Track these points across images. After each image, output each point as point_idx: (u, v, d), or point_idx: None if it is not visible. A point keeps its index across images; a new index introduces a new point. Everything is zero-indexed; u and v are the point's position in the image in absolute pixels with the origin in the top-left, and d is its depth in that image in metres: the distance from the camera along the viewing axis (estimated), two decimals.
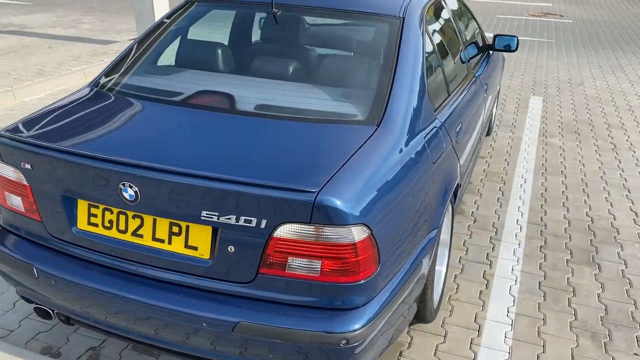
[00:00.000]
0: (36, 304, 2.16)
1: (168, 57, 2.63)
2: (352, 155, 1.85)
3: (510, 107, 5.95)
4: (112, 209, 1.89)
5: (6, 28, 9.77)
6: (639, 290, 2.95)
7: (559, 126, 5.43)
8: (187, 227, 1.81)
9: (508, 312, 2.76)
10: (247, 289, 1.80)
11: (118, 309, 1.89)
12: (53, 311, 2.14)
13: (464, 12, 3.73)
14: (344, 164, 1.80)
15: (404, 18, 2.49)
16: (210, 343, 1.82)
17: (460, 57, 3.15)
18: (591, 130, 5.34)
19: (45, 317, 2.22)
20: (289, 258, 1.74)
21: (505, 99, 6.23)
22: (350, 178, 1.75)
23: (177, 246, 1.84)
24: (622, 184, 4.19)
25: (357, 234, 1.70)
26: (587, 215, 3.73)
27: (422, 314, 2.45)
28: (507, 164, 4.51)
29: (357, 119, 2.09)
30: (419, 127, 2.21)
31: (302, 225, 1.68)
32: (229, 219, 1.72)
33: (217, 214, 1.72)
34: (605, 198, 3.97)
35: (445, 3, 3.20)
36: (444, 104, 2.58)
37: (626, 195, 4.02)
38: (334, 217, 1.66)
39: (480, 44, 3.89)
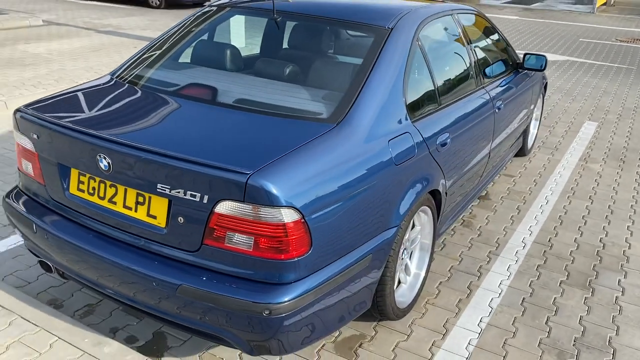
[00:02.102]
0: (39, 257, 2.51)
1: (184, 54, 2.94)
2: (298, 147, 2.04)
3: (560, 131, 5.82)
4: (95, 177, 2.20)
5: (104, 28, 10.74)
6: (627, 318, 2.88)
7: (604, 152, 5.25)
8: (150, 197, 2.07)
9: (480, 321, 2.80)
10: (193, 257, 2.03)
11: (92, 264, 2.19)
12: (52, 265, 2.48)
13: (485, 30, 3.78)
14: (286, 153, 1.99)
15: (392, 29, 2.64)
16: (159, 302, 2.07)
17: (467, 73, 3.22)
18: (639, 159, 5.13)
19: (47, 271, 2.57)
20: (228, 232, 1.95)
21: (556, 122, 6.10)
22: (288, 165, 1.94)
23: (141, 214, 2.11)
24: None
25: (287, 215, 1.89)
26: (600, 241, 3.64)
27: (383, 310, 2.56)
28: (535, 185, 4.46)
29: (320, 117, 2.28)
30: (384, 130, 2.35)
31: (237, 203, 1.89)
32: (179, 192, 1.96)
33: (169, 187, 1.97)
34: (628, 227, 3.85)
35: (456, 19, 3.30)
36: (427, 115, 2.69)
37: None
38: (264, 198, 1.85)
39: (505, 62, 3.92)
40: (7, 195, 2.56)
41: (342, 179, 2.09)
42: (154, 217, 2.08)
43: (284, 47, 3.05)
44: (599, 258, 3.43)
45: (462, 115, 3.00)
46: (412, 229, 2.79)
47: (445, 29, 3.17)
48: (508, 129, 3.90)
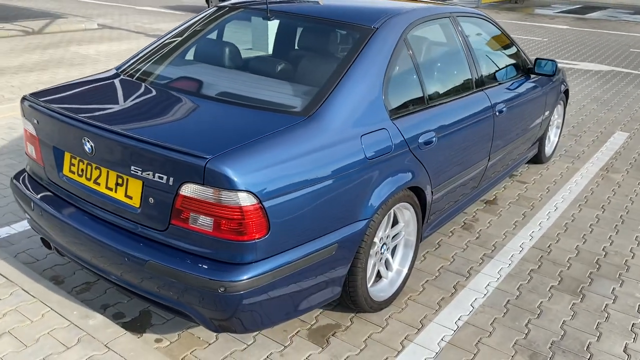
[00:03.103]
0: (40, 235, 2.73)
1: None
2: (263, 136, 2.15)
3: (586, 140, 5.69)
4: (84, 160, 2.38)
5: (154, 32, 11.22)
6: (612, 325, 2.83)
7: (630, 163, 5.11)
8: (127, 179, 2.24)
9: (458, 319, 2.82)
10: (161, 235, 2.17)
11: (79, 240, 2.37)
12: (50, 242, 2.68)
13: (489, 33, 3.79)
14: (250, 141, 2.11)
15: (377, 29, 2.73)
16: (131, 276, 2.22)
17: (461, 75, 3.25)
18: None
19: (47, 247, 2.79)
20: (192, 213, 2.08)
21: (584, 131, 5.96)
22: (249, 152, 2.06)
23: (120, 194, 2.27)
24: None
25: (243, 199, 2.00)
26: (603, 249, 3.57)
27: (355, 301, 2.63)
28: (547, 192, 4.40)
29: (293, 110, 2.38)
30: (357, 125, 2.43)
31: (199, 186, 2.03)
32: (149, 174, 2.12)
33: (140, 169, 2.13)
34: (636, 237, 3.75)
35: (455, 22, 3.33)
36: (411, 113, 2.75)
37: None
38: (222, 182, 1.98)
39: (512, 67, 3.91)
40: (15, 177, 2.79)
41: (305, 169, 2.18)
42: (130, 198, 2.24)
43: (278, 45, 3.19)
44: (598, 266, 3.37)
45: (451, 115, 3.03)
46: (394, 225, 2.85)
47: (440, 31, 3.22)
48: (514, 134, 3.88)
